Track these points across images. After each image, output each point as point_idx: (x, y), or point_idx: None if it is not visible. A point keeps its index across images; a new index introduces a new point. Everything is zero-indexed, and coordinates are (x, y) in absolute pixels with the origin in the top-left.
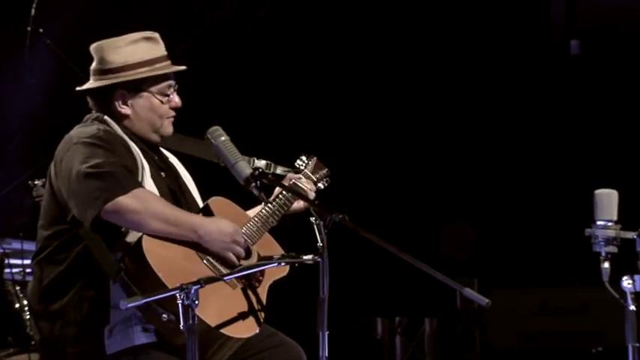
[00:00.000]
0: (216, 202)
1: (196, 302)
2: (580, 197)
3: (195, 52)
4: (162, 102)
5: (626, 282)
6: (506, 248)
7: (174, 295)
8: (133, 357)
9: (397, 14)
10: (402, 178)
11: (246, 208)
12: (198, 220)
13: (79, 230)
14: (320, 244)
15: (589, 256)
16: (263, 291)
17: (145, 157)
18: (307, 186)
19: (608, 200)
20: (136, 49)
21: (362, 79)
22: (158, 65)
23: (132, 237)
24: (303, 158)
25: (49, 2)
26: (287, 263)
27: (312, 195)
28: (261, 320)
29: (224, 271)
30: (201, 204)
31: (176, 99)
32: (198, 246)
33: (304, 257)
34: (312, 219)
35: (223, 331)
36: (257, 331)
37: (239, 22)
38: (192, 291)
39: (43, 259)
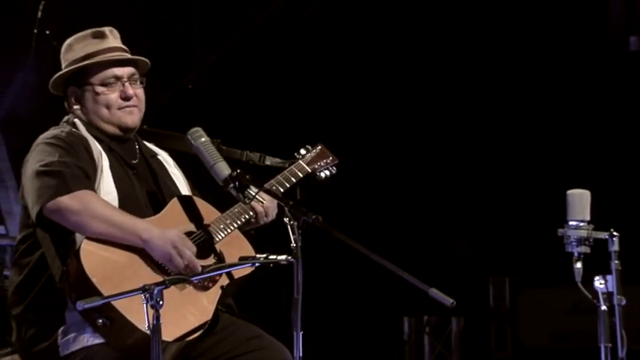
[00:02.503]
0: (181, 200)
1: (160, 303)
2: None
3: (242, 51)
4: (104, 93)
5: (599, 282)
6: (537, 247)
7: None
8: (82, 358)
9: (449, 11)
10: (431, 177)
11: None
12: (142, 224)
13: (37, 234)
14: (293, 244)
15: (623, 255)
16: (216, 291)
17: (109, 156)
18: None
19: (580, 200)
20: (85, 46)
21: (410, 78)
22: (98, 57)
23: (78, 241)
24: (308, 147)
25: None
26: (260, 264)
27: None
28: (208, 322)
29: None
30: None
31: (128, 90)
32: (144, 251)
33: (278, 258)
34: (286, 219)
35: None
36: (199, 333)
37: (287, 21)
38: (156, 291)
39: (14, 262)
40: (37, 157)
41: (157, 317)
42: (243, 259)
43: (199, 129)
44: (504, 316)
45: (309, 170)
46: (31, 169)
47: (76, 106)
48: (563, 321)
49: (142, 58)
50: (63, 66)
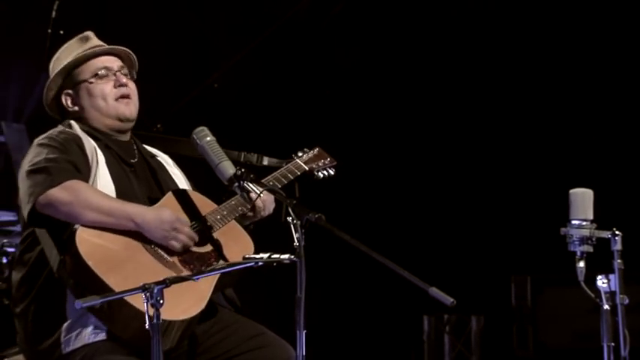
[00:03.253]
0: (176, 193)
1: (161, 301)
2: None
3: (269, 50)
4: (98, 83)
5: (601, 281)
6: (559, 245)
7: (101, 281)
8: (85, 355)
9: (478, 10)
10: (452, 175)
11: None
12: (135, 209)
13: (36, 230)
14: (296, 243)
15: (625, 254)
16: (213, 277)
17: (106, 153)
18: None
19: (582, 199)
20: (71, 52)
21: (439, 78)
22: (80, 54)
23: (73, 230)
24: (306, 149)
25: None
26: (264, 263)
27: None
28: (205, 301)
29: (170, 258)
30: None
31: (122, 79)
32: (140, 235)
33: (281, 257)
34: (290, 218)
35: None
36: (197, 312)
37: (314, 19)
38: (156, 290)
39: (17, 261)
40: (27, 159)
41: (158, 316)
42: (246, 259)
43: (205, 128)
44: (526, 315)
45: (306, 168)
46: (22, 170)
47: (73, 108)
48: (585, 320)
49: (126, 49)
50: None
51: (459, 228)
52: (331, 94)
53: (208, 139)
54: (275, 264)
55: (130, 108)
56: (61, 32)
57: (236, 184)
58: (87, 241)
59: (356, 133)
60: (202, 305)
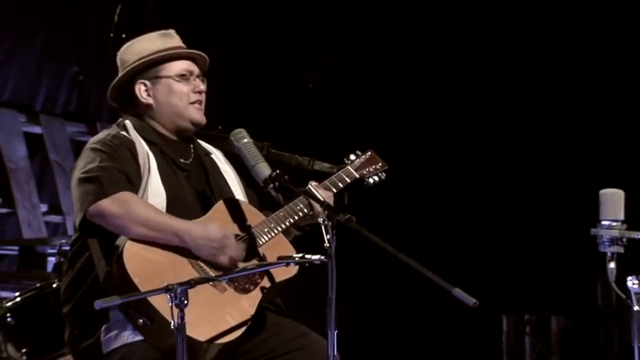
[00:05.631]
0: (227, 202)
1: (185, 302)
2: None
3: (365, 48)
4: (179, 86)
5: (632, 282)
6: None
7: (146, 300)
8: (123, 354)
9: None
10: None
11: None
12: (183, 225)
13: (86, 236)
14: (327, 244)
15: None
16: (257, 294)
17: (159, 158)
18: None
19: (613, 200)
20: (150, 45)
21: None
22: (170, 52)
23: (122, 242)
24: (358, 153)
25: (215, 9)
26: (295, 264)
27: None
28: (247, 324)
29: (215, 275)
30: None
31: (200, 85)
32: (187, 250)
33: (312, 257)
34: (320, 220)
35: (196, 336)
36: (238, 335)
37: (410, 18)
38: (179, 291)
39: (67, 263)
40: (80, 164)
41: (182, 317)
42: (279, 259)
43: (242, 130)
44: (611, 314)
45: (357, 176)
46: (74, 176)
47: (146, 99)
48: None
49: (203, 55)
50: (123, 65)
51: (543, 229)
52: (428, 92)
53: (245, 140)
54: (307, 264)
55: (202, 114)
56: (124, 36)
57: (271, 185)
58: (135, 254)
59: (405, 132)
60: (245, 327)
